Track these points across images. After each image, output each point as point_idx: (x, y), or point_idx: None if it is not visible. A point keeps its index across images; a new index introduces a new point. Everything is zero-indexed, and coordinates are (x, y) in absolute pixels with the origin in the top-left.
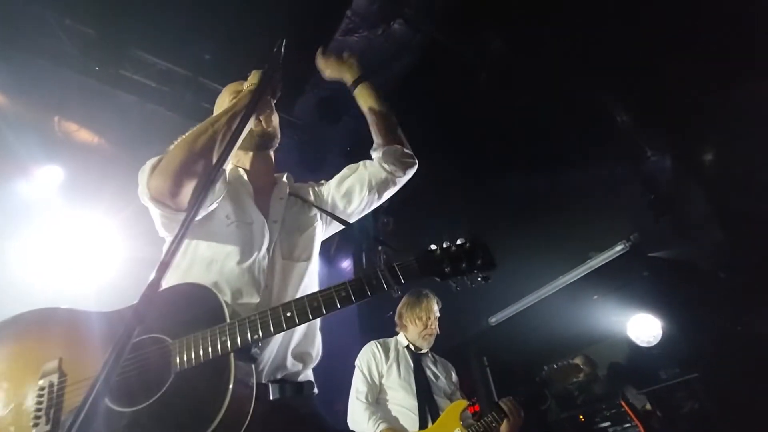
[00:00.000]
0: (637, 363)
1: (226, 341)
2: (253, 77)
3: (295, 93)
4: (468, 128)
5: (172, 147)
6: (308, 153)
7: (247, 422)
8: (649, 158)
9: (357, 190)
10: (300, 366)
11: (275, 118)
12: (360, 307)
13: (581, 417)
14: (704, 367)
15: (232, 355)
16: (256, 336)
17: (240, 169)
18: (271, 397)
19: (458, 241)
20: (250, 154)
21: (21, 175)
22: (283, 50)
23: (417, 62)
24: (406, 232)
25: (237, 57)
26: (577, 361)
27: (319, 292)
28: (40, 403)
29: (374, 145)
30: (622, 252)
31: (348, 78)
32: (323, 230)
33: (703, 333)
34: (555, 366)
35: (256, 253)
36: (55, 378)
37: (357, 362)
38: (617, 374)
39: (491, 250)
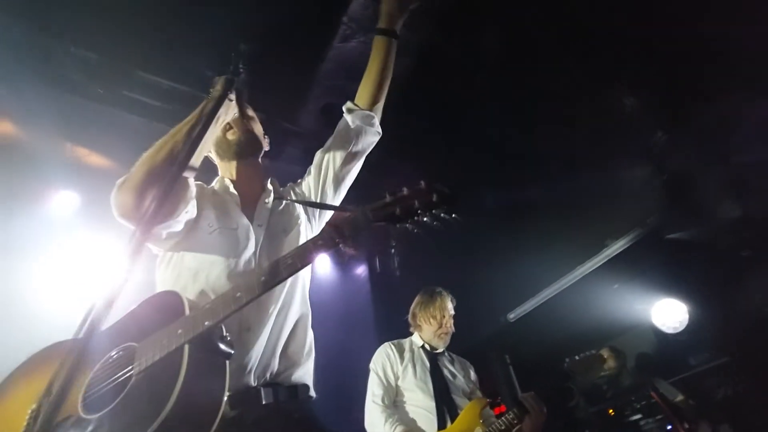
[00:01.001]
0: (665, 351)
1: (180, 332)
2: (218, 84)
3: (297, 103)
4: (471, 125)
5: (137, 163)
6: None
7: (216, 422)
8: (660, 138)
9: (330, 171)
10: (291, 367)
11: (255, 125)
12: (377, 311)
13: (611, 411)
14: (736, 350)
15: (186, 345)
16: (208, 322)
17: (227, 180)
18: (264, 401)
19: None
20: (234, 163)
21: (39, 201)
22: (240, 55)
23: (415, 64)
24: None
25: None
26: (602, 352)
27: (267, 266)
28: (27, 425)
29: (353, 102)
30: (639, 237)
31: (383, 22)
32: (312, 227)
33: (731, 315)
34: (576, 357)
35: (241, 258)
36: (42, 401)
37: (371, 365)
38: (646, 364)
39: (449, 185)
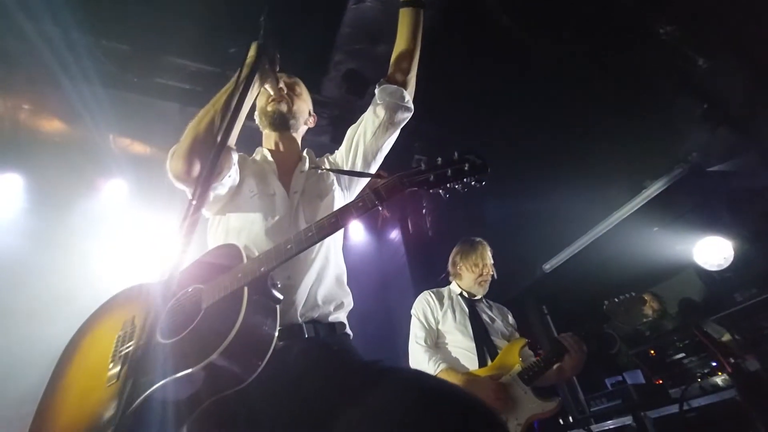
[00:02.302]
0: (709, 290)
1: (240, 276)
2: (251, 50)
3: (319, 72)
4: (502, 68)
5: (184, 132)
6: (340, 129)
7: (270, 351)
8: (699, 66)
9: (360, 147)
10: (330, 309)
11: (299, 100)
12: (413, 272)
13: (652, 351)
14: None
15: (246, 287)
16: (263, 268)
17: (265, 150)
18: (306, 335)
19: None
20: (272, 134)
21: (93, 191)
22: (266, 19)
23: (439, 19)
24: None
25: None
26: (644, 295)
27: (313, 224)
28: (114, 349)
29: (384, 78)
30: (680, 175)
31: None
32: (344, 195)
33: None
34: (616, 300)
35: (277, 219)
36: (127, 329)
37: (413, 311)
38: (689, 307)
39: (481, 154)
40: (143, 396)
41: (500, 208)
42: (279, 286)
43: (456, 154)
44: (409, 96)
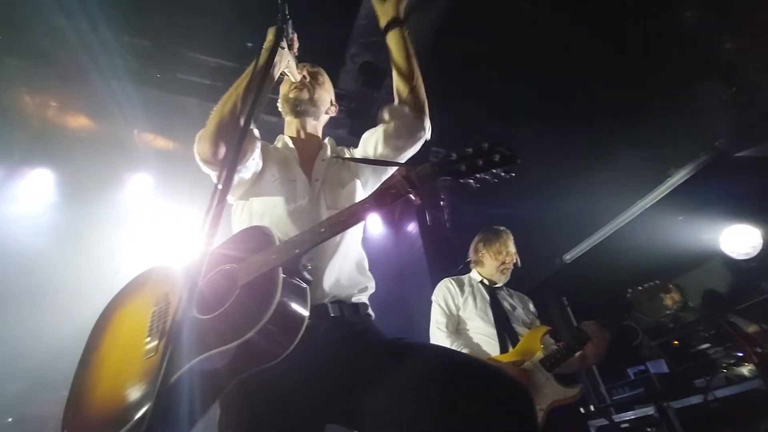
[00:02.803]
0: (736, 280)
1: (274, 258)
2: (269, 34)
3: (335, 64)
4: (521, 54)
5: (210, 117)
6: (357, 121)
7: (302, 330)
8: (726, 49)
9: (372, 155)
10: (354, 291)
11: (320, 89)
12: (431, 264)
13: (675, 342)
14: None
15: (279, 268)
16: (297, 250)
17: (287, 137)
18: (331, 314)
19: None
20: (294, 121)
21: (117, 184)
22: (283, 1)
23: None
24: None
25: None
26: (667, 284)
27: (346, 209)
28: (151, 323)
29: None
30: (706, 162)
31: (382, 20)
32: (365, 186)
33: None
34: (640, 288)
35: (299, 204)
36: (162, 304)
37: (433, 297)
38: (714, 297)
39: (511, 147)
40: (182, 369)
41: (520, 199)
42: (309, 267)
43: (486, 144)
44: (411, 111)
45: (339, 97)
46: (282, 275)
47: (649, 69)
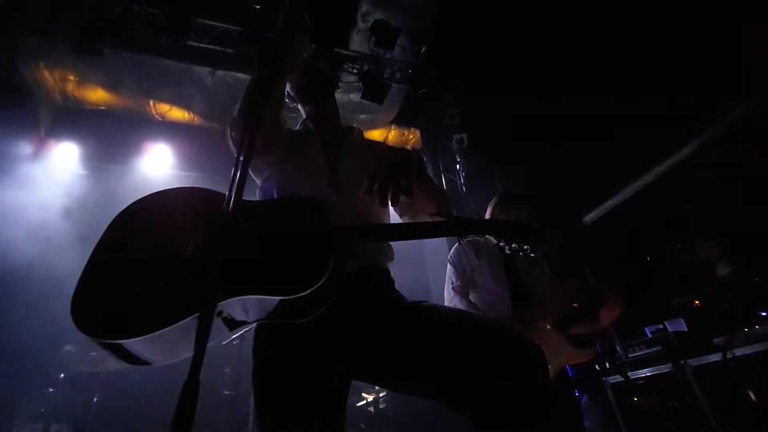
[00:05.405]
0: None
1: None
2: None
3: (346, 25)
4: (544, 11)
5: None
6: (370, 85)
7: (338, 290)
8: None
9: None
10: (383, 259)
11: (319, 68)
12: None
13: (696, 302)
14: None
15: (332, 235)
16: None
17: (309, 121)
18: (362, 281)
19: (524, 221)
20: (312, 105)
21: (138, 154)
22: None
23: None
24: (482, 148)
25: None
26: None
27: (416, 223)
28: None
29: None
30: (743, 113)
31: None
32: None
33: None
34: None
35: (321, 184)
36: (212, 216)
37: (449, 258)
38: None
39: (545, 236)
40: (230, 299)
41: (537, 163)
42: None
43: (527, 224)
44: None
45: (351, 60)
46: (333, 243)
47: (680, 20)
